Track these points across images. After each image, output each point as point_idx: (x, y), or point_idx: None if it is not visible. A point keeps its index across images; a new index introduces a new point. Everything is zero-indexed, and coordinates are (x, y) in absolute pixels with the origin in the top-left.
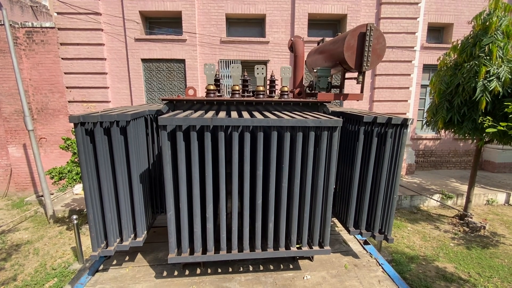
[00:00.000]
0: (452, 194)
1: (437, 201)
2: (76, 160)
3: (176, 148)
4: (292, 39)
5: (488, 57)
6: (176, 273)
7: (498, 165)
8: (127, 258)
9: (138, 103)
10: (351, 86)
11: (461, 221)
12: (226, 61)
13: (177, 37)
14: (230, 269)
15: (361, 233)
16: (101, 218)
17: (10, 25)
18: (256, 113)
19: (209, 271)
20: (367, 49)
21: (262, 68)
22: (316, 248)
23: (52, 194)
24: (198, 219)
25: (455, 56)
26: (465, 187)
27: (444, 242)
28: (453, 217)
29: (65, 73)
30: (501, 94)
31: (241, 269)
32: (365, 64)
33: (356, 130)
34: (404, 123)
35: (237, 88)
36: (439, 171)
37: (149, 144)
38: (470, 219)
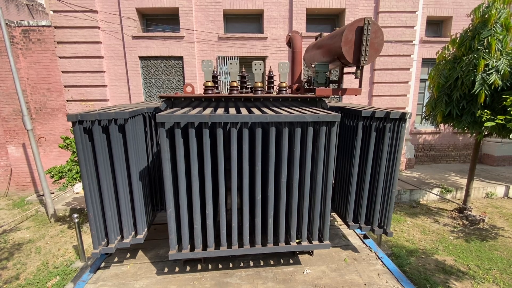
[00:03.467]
0: (452, 188)
1: (436, 195)
2: (75, 159)
3: (175, 145)
4: (290, 34)
5: (487, 50)
6: (177, 269)
7: (497, 158)
8: (128, 255)
9: (137, 101)
10: (349, 81)
11: (461, 215)
12: (224, 58)
13: (175, 34)
14: (231, 265)
15: (360, 227)
16: (102, 216)
17: (6, 24)
18: (254, 109)
19: (210, 266)
20: (365, 44)
21: (260, 64)
22: (315, 242)
23: (53, 193)
24: (198, 215)
25: (454, 49)
26: (464, 181)
27: (443, 235)
28: (452, 211)
29: (62, 71)
30: (500, 87)
31: (242, 265)
32: (363, 59)
33: (355, 125)
34: (403, 117)
35: (235, 84)
36: (439, 165)
37: (147, 141)
38: (469, 212)
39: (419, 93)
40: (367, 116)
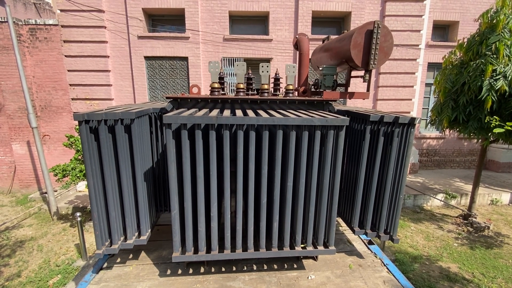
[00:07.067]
0: (456, 194)
1: (440, 200)
2: (79, 157)
3: (181, 147)
4: (297, 36)
5: (494, 56)
6: (180, 271)
7: (502, 164)
8: (131, 256)
9: (141, 100)
10: (354, 85)
11: (465, 221)
12: (229, 59)
13: (180, 34)
14: (234, 268)
15: (366, 233)
16: (105, 216)
17: (14, 22)
18: (261, 112)
19: (213, 270)
20: (374, 47)
21: (267, 66)
22: (321, 248)
23: (56, 191)
24: (202, 218)
25: (461, 54)
26: (469, 187)
27: (447, 242)
28: (457, 217)
29: (68, 70)
30: (507, 93)
31: (245, 268)
32: (372, 62)
33: (362, 129)
34: (412, 122)
35: (241, 86)
36: (443, 170)
37: (153, 142)
38: (474, 219)
39: (424, 97)
40: (375, 120)
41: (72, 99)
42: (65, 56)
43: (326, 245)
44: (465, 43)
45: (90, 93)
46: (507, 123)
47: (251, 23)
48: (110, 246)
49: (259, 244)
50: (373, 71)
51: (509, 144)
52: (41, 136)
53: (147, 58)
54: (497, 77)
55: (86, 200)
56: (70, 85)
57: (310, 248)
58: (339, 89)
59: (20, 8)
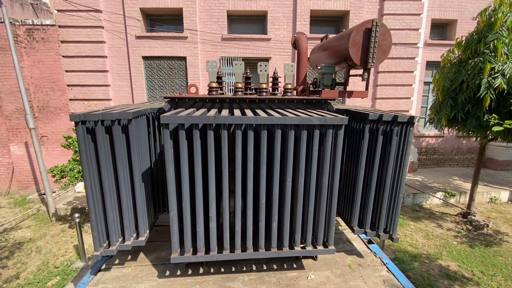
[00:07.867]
0: (455, 192)
1: (439, 199)
2: (77, 158)
3: (179, 147)
4: (295, 35)
5: (493, 54)
6: (178, 272)
7: (501, 162)
8: (129, 257)
9: (139, 101)
10: (353, 84)
11: (464, 219)
12: (227, 58)
13: (178, 34)
14: (233, 269)
15: (365, 232)
16: (103, 217)
17: (11, 22)
18: (259, 111)
19: (212, 270)
20: (372, 45)
21: (266, 66)
22: (320, 247)
23: (54, 192)
24: (201, 218)
25: (459, 52)
26: (468, 185)
27: (447, 240)
28: (456, 215)
29: (66, 71)
30: (505, 91)
31: (244, 269)
32: (370, 61)
33: (361, 128)
34: (410, 121)
35: (240, 85)
36: (442, 168)
37: (151, 142)
38: (473, 217)
39: (422, 96)
40: (374, 119)
41: (70, 99)
42: (63, 56)
43: (325, 245)
44: (463, 41)
45: (88, 94)
46: (505, 121)
47: (250, 22)
48: (108, 248)
49: (258, 244)
50: (372, 70)
51: (507, 142)
52: (39, 137)
53: (145, 58)
54: (496, 75)
55: (84, 201)
56: (68, 85)
57: (309, 248)
58: (337, 88)
59: (17, 9)
